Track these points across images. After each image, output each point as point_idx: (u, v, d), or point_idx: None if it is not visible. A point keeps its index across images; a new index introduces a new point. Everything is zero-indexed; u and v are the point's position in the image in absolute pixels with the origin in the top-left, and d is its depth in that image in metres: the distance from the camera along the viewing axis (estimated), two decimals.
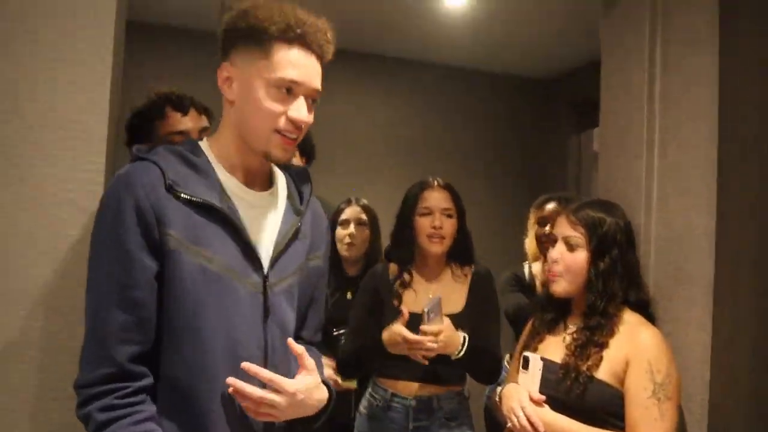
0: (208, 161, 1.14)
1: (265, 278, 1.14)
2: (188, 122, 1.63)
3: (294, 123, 1.11)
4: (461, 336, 1.88)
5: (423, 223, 1.99)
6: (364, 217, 2.50)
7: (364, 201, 2.56)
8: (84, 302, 1.06)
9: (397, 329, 1.84)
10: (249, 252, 1.12)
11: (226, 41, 1.14)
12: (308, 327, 1.33)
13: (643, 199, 1.83)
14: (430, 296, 1.86)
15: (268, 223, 1.18)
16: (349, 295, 2.43)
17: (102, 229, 1.05)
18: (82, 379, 1.02)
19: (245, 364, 1.08)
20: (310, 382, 1.16)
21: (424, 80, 4.60)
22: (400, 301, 2.00)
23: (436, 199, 2.00)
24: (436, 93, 4.64)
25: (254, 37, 1.10)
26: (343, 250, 2.48)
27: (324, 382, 1.22)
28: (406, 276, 2.03)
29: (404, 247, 2.05)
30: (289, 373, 1.17)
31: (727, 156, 1.64)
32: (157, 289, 1.05)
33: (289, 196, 1.25)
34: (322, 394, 1.21)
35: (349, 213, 2.52)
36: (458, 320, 1.94)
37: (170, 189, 1.06)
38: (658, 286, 1.78)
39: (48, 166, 1.35)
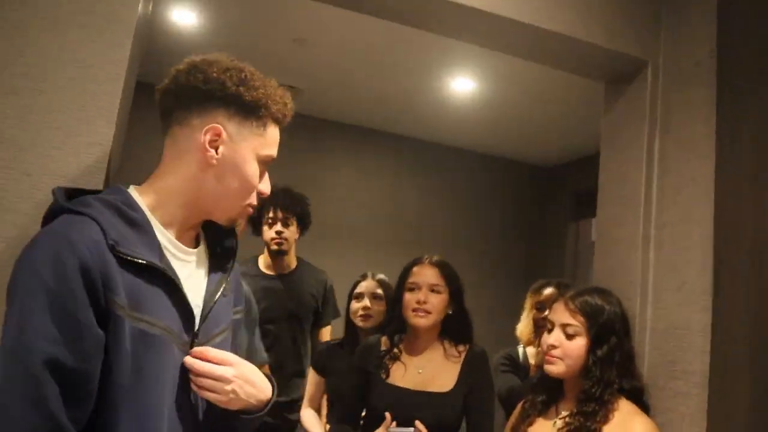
0: (146, 219, 1.06)
1: (194, 337, 1.09)
2: None
3: (261, 196, 1.17)
4: None
5: (409, 298, 2.02)
6: (379, 291, 2.57)
7: (381, 275, 2.63)
8: None
9: None
10: (185, 312, 1.07)
11: (213, 102, 1.08)
12: None
13: (639, 291, 1.85)
14: (411, 429, 1.83)
15: (196, 281, 1.14)
16: None
17: (36, 291, 0.90)
18: None
19: (186, 358, 1.05)
20: (254, 367, 1.14)
21: (428, 159, 4.72)
22: (388, 375, 2.00)
23: (424, 275, 2.03)
24: (440, 173, 4.75)
25: (254, 111, 1.11)
26: (358, 322, 2.53)
27: (268, 377, 1.19)
28: (395, 350, 2.04)
29: (395, 321, 2.07)
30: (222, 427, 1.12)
31: (722, 255, 1.67)
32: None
33: (212, 253, 1.20)
34: (267, 386, 1.16)
35: (364, 287, 2.59)
36: (447, 400, 1.93)
37: (112, 249, 0.96)
38: (652, 377, 1.77)
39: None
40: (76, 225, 0.97)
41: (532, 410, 1.69)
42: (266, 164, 1.16)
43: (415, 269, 2.06)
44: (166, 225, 1.09)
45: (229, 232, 1.23)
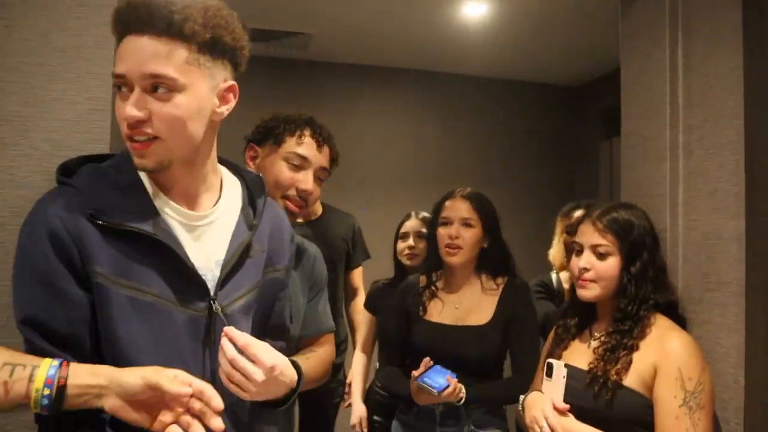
0: (140, 181, 1.05)
1: (212, 301, 1.06)
2: None
3: (127, 121, 1.02)
4: (462, 395, 1.86)
5: (441, 233, 2.00)
6: (424, 229, 2.59)
7: (424, 213, 2.65)
8: None
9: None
10: (189, 277, 1.04)
11: None
12: (272, 334, 1.25)
13: (668, 203, 1.79)
14: (435, 392, 1.81)
15: (213, 242, 1.10)
16: None
17: (19, 258, 0.98)
18: None
19: (227, 329, 1.02)
20: (283, 358, 1.10)
21: (447, 92, 4.61)
22: (425, 311, 2.00)
23: (456, 209, 2.00)
24: (461, 104, 4.64)
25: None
26: (404, 260, 2.61)
27: (294, 362, 1.16)
28: (432, 287, 2.04)
29: (431, 258, 2.07)
30: (241, 400, 1.09)
31: (755, 155, 1.59)
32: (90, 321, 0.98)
33: (243, 209, 1.17)
34: (294, 375, 1.14)
35: (408, 226, 2.65)
36: (483, 333, 1.93)
37: (92, 218, 0.97)
38: (687, 290, 1.72)
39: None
40: (56, 196, 1.00)
41: (566, 335, 1.68)
42: (120, 84, 1.01)
43: (447, 203, 2.04)
44: (166, 189, 1.07)
45: (257, 184, 1.20)
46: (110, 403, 0.92)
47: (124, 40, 0.99)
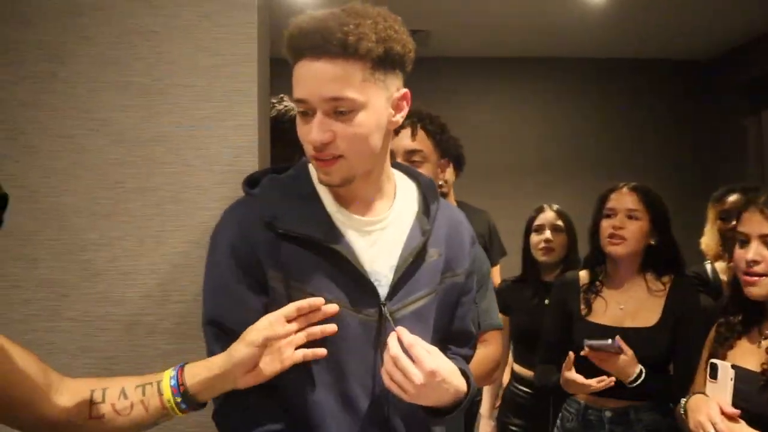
0: (315, 190, 1.09)
1: (381, 306, 1.07)
2: None
3: (313, 144, 1.02)
4: (638, 368, 1.78)
5: (605, 225, 1.94)
6: (559, 222, 2.52)
7: (557, 206, 2.56)
8: None
9: (570, 376, 1.79)
10: (361, 282, 1.06)
11: None
12: (456, 341, 1.23)
13: None
14: (609, 341, 1.74)
15: (387, 247, 1.10)
16: (547, 302, 2.41)
17: (208, 263, 1.11)
18: None
19: (398, 328, 1.02)
20: (450, 365, 1.06)
21: (571, 77, 4.44)
22: (589, 311, 1.94)
23: (620, 200, 1.94)
24: (586, 89, 4.45)
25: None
26: (539, 255, 2.51)
27: (463, 372, 1.12)
28: (596, 284, 1.97)
29: (593, 254, 2.02)
30: (410, 407, 1.07)
31: None
32: None
33: (418, 214, 1.16)
34: (461, 384, 1.09)
35: (543, 219, 2.55)
36: (651, 336, 1.85)
37: (270, 227, 1.02)
38: None
39: (210, 204, 1.44)
40: (238, 206, 1.10)
41: (730, 333, 1.54)
42: (304, 109, 1.01)
43: (612, 196, 1.98)
44: (336, 196, 1.09)
45: (430, 188, 1.19)
46: (242, 383, 1.02)
47: (300, 65, 1.00)
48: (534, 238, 2.55)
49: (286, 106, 1.80)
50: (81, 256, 1.49)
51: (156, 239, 1.47)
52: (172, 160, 1.46)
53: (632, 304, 1.91)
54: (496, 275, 2.90)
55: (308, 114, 1.01)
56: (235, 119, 1.44)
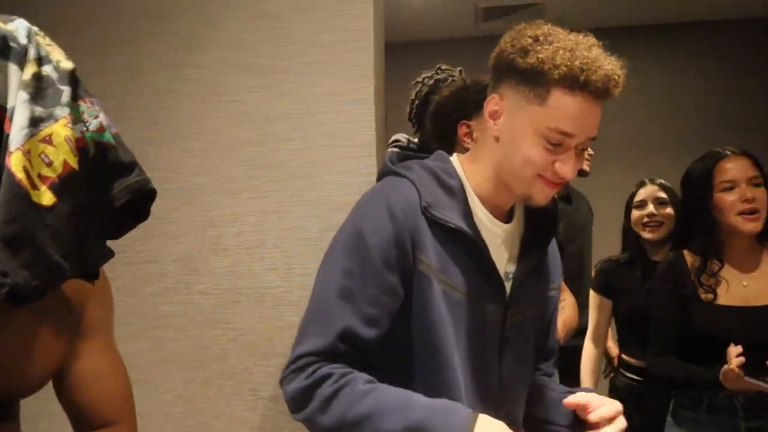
0: (462, 185, 1.08)
1: (506, 309, 1.07)
2: None
3: (558, 176, 1.00)
4: None
5: (728, 200, 1.72)
6: (663, 195, 2.30)
7: (661, 180, 2.36)
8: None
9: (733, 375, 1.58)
10: (493, 283, 1.06)
11: (499, 73, 1.04)
12: (546, 358, 1.23)
13: None
14: None
15: (507, 255, 1.11)
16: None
17: (356, 238, 1.00)
18: (303, 350, 0.98)
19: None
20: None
21: (685, 44, 4.12)
22: (710, 293, 1.74)
23: (738, 168, 1.72)
24: (703, 55, 4.11)
25: (532, 79, 0.97)
26: (644, 233, 2.29)
27: None
28: (714, 265, 1.77)
29: (704, 233, 1.80)
30: (520, 408, 1.11)
31: None
32: (399, 310, 1.02)
33: (528, 227, 1.15)
34: None
35: (644, 193, 2.33)
36: None
37: (425, 211, 1.01)
38: None
39: (330, 177, 1.48)
40: (396, 186, 1.04)
41: None
42: (561, 141, 0.97)
43: (723, 164, 1.74)
44: (480, 195, 1.09)
45: (549, 209, 1.15)
46: None
47: (581, 99, 0.96)
48: (636, 213, 2.31)
49: (449, 74, 1.73)
50: (211, 232, 1.56)
51: (279, 214, 1.51)
52: (295, 136, 1.50)
53: (757, 280, 1.70)
54: None
55: (559, 145, 0.98)
56: (353, 93, 1.46)
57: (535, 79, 0.97)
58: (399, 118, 1.76)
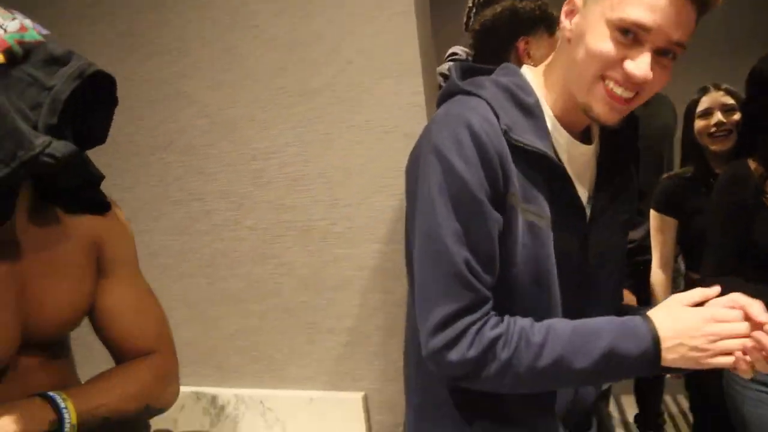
0: (539, 104, 0.97)
1: (586, 240, 1.00)
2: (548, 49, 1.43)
3: (628, 78, 0.87)
4: None
5: None
6: (730, 101, 2.08)
7: (726, 85, 2.14)
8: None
9: None
10: (574, 207, 0.98)
11: None
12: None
13: None
14: None
15: (588, 177, 1.02)
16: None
17: (438, 176, 0.90)
18: (444, 311, 0.90)
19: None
20: None
21: None
22: None
23: None
24: None
25: None
26: (711, 144, 2.10)
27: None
28: None
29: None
30: None
31: None
32: None
33: (604, 145, 1.05)
34: None
35: (708, 101, 2.12)
36: None
37: (505, 135, 0.91)
38: None
39: (373, 101, 1.39)
40: (472, 107, 0.93)
41: None
42: (635, 35, 0.86)
43: None
44: (555, 113, 0.98)
45: (629, 128, 1.05)
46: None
47: None
48: (700, 123, 2.11)
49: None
50: (252, 165, 1.52)
51: (321, 143, 1.44)
52: (331, 59, 1.41)
53: None
54: None
55: (627, 37, 0.86)
56: (390, 7, 1.34)
57: None
58: (452, 32, 1.64)
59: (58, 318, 0.93)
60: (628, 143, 1.05)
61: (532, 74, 1.01)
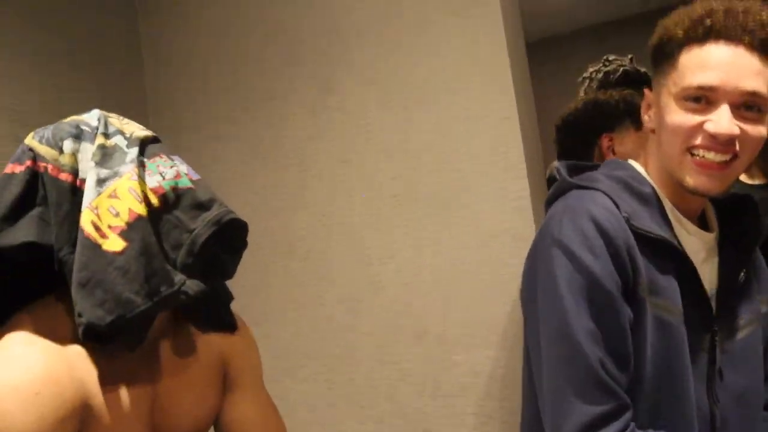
0: (655, 193, 0.94)
1: (714, 333, 0.91)
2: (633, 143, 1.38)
3: (713, 138, 0.84)
4: None
5: None
6: None
7: None
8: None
9: None
10: (700, 301, 0.91)
11: (652, 66, 0.95)
12: None
13: None
14: None
15: (706, 265, 0.95)
16: None
17: (567, 269, 0.86)
18: (583, 418, 0.84)
19: None
20: None
21: None
22: None
23: None
24: None
25: (664, 50, 0.89)
26: None
27: None
28: None
29: None
30: None
31: None
32: None
33: (723, 232, 0.99)
34: None
35: None
36: None
37: (627, 223, 0.88)
38: None
39: (480, 203, 1.39)
40: (591, 199, 0.91)
41: None
42: (705, 98, 0.85)
43: None
44: (671, 201, 0.96)
45: (747, 207, 1.01)
46: None
47: (708, 47, 0.85)
48: None
49: (618, 65, 1.60)
50: (368, 270, 1.55)
51: (433, 248, 1.46)
52: (437, 168, 1.45)
53: None
54: None
55: (700, 102, 0.86)
56: (495, 113, 1.37)
57: (666, 49, 0.88)
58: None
59: (182, 430, 0.97)
60: (746, 225, 0.98)
61: (639, 167, 0.99)
